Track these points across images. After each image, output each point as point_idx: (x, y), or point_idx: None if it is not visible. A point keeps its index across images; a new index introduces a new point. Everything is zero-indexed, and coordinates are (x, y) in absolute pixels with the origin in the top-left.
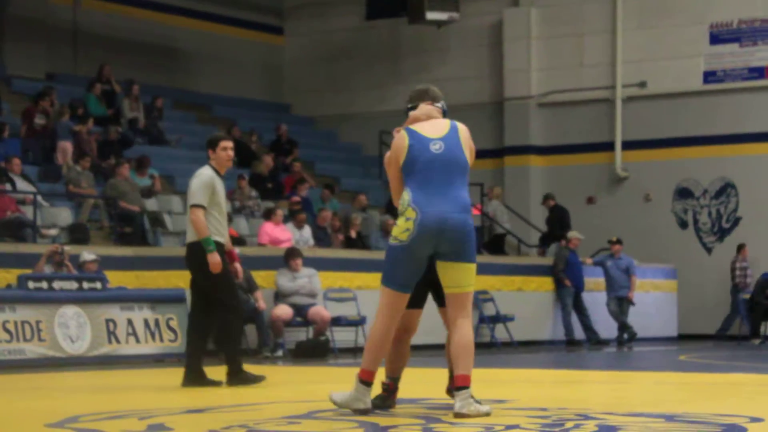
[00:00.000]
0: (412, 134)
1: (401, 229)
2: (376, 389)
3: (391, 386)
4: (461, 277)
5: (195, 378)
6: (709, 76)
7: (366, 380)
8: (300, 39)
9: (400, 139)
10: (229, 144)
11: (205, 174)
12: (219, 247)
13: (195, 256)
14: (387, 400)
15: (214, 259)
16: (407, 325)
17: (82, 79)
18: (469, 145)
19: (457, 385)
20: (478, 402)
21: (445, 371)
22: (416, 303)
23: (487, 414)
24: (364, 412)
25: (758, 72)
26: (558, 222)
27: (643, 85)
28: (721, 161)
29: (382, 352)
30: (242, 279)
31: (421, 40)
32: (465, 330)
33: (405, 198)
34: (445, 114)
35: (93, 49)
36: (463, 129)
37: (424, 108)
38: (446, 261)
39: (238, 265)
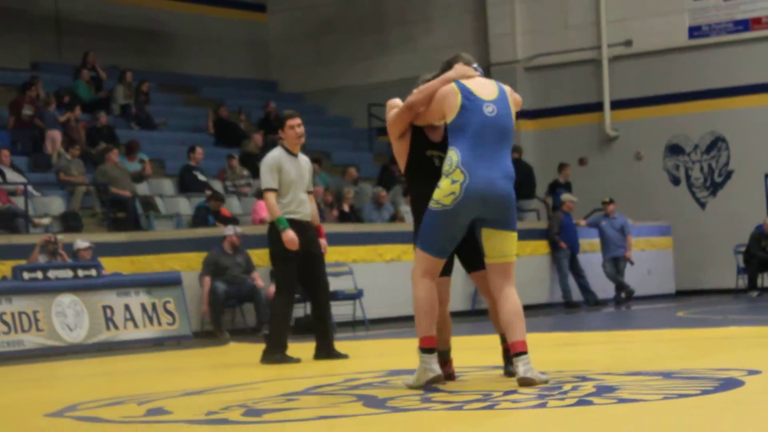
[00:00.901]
0: (465, 91)
1: (445, 192)
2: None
3: (439, 361)
4: (506, 246)
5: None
6: (694, 32)
7: (427, 347)
8: (283, 15)
9: (452, 95)
10: (296, 121)
11: (269, 157)
12: (292, 224)
13: (268, 234)
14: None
15: (287, 236)
16: (440, 296)
17: (67, 67)
18: (516, 109)
19: (516, 352)
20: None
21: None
22: (445, 270)
23: (546, 382)
24: (436, 380)
25: (743, 24)
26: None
27: (628, 43)
28: (710, 116)
29: (434, 314)
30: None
31: (404, 11)
32: (514, 298)
33: (453, 159)
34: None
35: (76, 37)
36: (511, 92)
37: (458, 68)
38: (491, 228)
39: (323, 241)
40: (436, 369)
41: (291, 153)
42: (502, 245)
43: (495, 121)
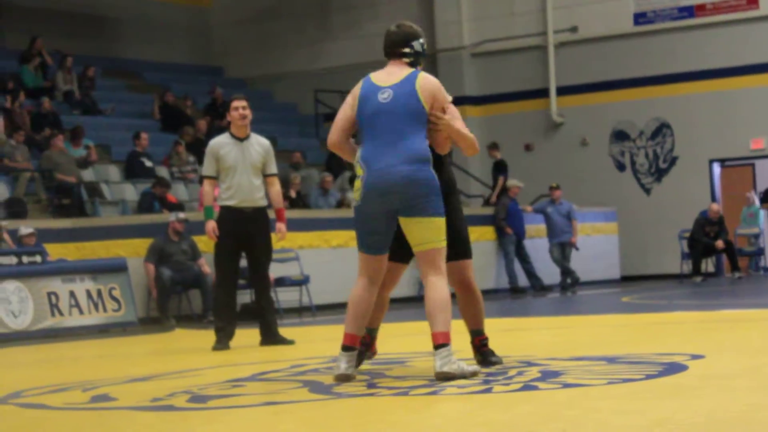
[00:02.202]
0: (365, 83)
1: (356, 188)
2: None
3: (366, 338)
4: (422, 234)
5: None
6: (639, 18)
7: (344, 344)
8: (228, 0)
9: (356, 88)
10: (240, 103)
11: (210, 143)
12: (228, 211)
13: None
14: (362, 354)
15: (207, 227)
16: (386, 279)
17: (11, 52)
18: (430, 92)
19: (435, 344)
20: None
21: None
22: (402, 257)
23: (474, 374)
24: (341, 378)
25: (687, 11)
26: None
27: (574, 30)
28: (655, 102)
29: (360, 316)
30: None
31: None
32: (438, 286)
33: (357, 155)
34: (417, 57)
35: (19, 22)
36: (423, 77)
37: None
38: (404, 216)
39: (281, 225)
40: (343, 368)
41: (236, 137)
42: (418, 233)
43: (389, 106)
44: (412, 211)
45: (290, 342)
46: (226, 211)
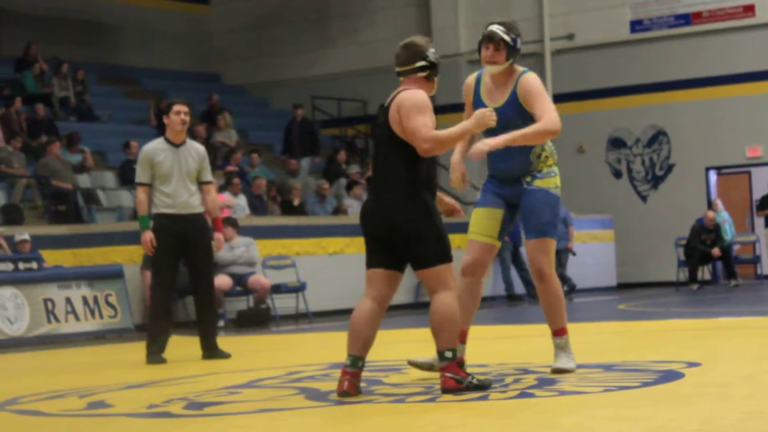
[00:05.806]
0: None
1: (557, 178)
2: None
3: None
4: None
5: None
6: (636, 25)
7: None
8: (226, 7)
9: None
10: (183, 108)
11: (142, 149)
12: (168, 218)
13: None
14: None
15: (143, 237)
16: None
17: (8, 59)
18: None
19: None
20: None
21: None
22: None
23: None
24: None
25: (684, 19)
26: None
27: (571, 37)
28: (651, 109)
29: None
30: (221, 250)
31: (348, 3)
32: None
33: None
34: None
35: (16, 29)
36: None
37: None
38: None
39: (219, 235)
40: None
41: (172, 143)
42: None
43: None
44: None
45: (227, 355)
46: (164, 218)
